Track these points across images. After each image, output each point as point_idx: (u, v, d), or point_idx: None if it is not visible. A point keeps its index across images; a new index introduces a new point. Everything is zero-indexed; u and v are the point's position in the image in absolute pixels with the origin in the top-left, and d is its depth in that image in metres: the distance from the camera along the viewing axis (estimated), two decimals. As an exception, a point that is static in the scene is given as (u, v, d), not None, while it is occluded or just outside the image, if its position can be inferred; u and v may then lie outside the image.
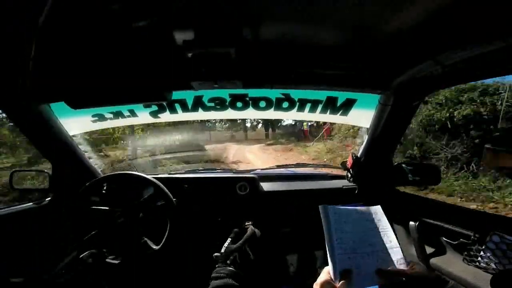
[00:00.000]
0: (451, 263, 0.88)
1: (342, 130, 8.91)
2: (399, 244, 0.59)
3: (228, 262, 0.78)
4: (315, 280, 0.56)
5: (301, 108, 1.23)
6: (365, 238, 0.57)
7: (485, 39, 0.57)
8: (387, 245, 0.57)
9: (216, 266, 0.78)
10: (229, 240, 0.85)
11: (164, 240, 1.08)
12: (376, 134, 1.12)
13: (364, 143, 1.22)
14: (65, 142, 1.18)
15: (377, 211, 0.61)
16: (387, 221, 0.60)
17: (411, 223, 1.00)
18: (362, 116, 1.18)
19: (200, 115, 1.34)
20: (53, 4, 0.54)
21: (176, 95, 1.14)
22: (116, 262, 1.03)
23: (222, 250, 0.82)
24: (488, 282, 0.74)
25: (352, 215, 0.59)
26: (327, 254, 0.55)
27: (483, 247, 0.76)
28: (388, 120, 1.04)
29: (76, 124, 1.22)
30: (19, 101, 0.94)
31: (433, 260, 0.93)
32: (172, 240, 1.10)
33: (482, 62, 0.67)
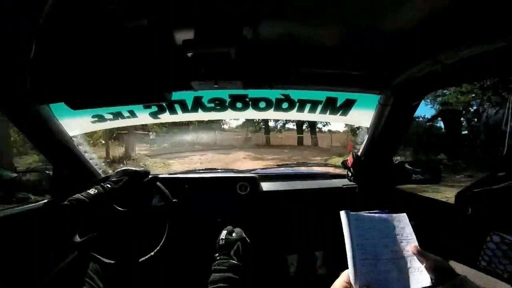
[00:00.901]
0: (451, 263, 0.88)
1: None
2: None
3: (231, 253, 0.77)
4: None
5: (300, 109, 1.23)
6: (387, 245, 0.57)
7: (485, 38, 0.57)
8: (408, 253, 0.57)
9: (217, 257, 0.77)
10: (225, 232, 0.84)
11: (163, 240, 1.08)
12: (376, 134, 1.12)
13: (365, 142, 1.22)
14: (65, 143, 1.18)
15: (401, 219, 0.61)
16: (411, 229, 0.60)
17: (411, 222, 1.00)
18: (362, 116, 1.18)
19: (200, 115, 1.34)
20: (53, 4, 0.54)
21: (176, 95, 1.14)
22: (112, 262, 1.03)
23: (222, 239, 0.80)
24: (488, 282, 0.74)
25: (374, 222, 0.59)
26: (346, 258, 0.55)
27: (484, 247, 0.76)
28: (388, 120, 1.04)
29: (76, 124, 1.22)
30: (19, 102, 0.94)
31: None
32: (171, 241, 1.10)
33: (482, 62, 0.67)
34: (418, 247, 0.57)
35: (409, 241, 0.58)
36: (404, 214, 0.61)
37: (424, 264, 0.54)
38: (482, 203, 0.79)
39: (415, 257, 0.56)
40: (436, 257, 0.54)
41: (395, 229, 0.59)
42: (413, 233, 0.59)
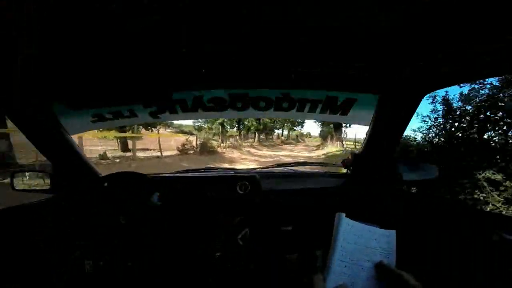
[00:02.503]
0: (450, 262, 0.88)
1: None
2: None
3: (239, 236, 0.77)
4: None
5: (301, 108, 1.24)
6: (366, 254, 0.60)
7: (484, 38, 0.57)
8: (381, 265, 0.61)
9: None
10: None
11: (162, 241, 1.09)
12: (375, 134, 1.13)
13: (364, 142, 1.22)
14: (65, 142, 1.18)
15: (390, 234, 0.64)
16: (394, 245, 0.63)
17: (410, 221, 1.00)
18: (362, 116, 1.18)
19: (200, 115, 1.34)
20: (53, 4, 0.54)
21: (176, 95, 1.14)
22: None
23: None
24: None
25: (363, 231, 0.62)
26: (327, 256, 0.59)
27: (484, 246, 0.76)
28: (387, 119, 1.04)
29: (76, 124, 1.22)
30: (19, 102, 0.94)
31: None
32: (170, 240, 1.10)
33: (481, 62, 0.67)
34: (383, 262, 0.59)
35: (388, 256, 0.61)
36: (394, 231, 0.64)
37: (387, 278, 0.58)
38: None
39: (384, 269, 0.60)
40: (397, 271, 0.57)
41: (379, 242, 0.62)
42: (394, 250, 0.62)
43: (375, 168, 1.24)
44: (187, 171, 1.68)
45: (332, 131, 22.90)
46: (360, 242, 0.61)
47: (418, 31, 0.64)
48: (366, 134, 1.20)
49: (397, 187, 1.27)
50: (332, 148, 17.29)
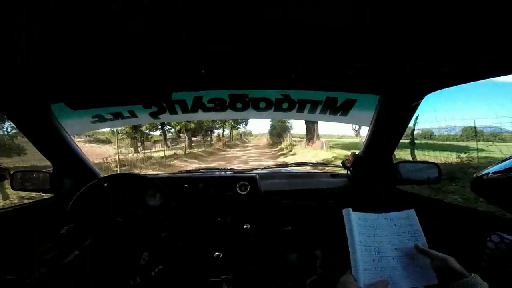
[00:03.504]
0: None
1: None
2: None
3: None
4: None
5: (300, 109, 1.24)
6: (392, 242, 0.57)
7: (484, 38, 0.57)
8: (414, 250, 0.57)
9: None
10: None
11: (163, 240, 1.09)
12: (376, 134, 1.13)
13: (364, 142, 1.22)
14: (66, 143, 1.18)
15: (409, 215, 0.60)
16: (419, 225, 0.59)
17: None
18: (362, 116, 1.18)
19: (200, 116, 1.34)
20: (53, 4, 0.54)
21: (176, 96, 1.14)
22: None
23: None
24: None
25: (378, 220, 0.59)
26: (347, 257, 0.56)
27: (484, 247, 0.76)
28: (388, 120, 1.04)
29: (76, 124, 1.22)
30: (19, 101, 0.95)
31: None
32: (170, 241, 1.10)
33: (481, 62, 0.67)
34: (421, 246, 0.56)
35: (416, 238, 0.58)
36: (412, 210, 0.60)
37: (430, 262, 0.54)
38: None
39: (421, 252, 0.56)
40: (444, 255, 0.53)
41: (401, 227, 0.59)
42: (420, 230, 0.58)
43: (375, 168, 1.24)
44: (187, 171, 1.68)
45: (288, 127, 17.75)
46: (380, 232, 0.57)
47: (418, 31, 0.64)
48: (366, 134, 1.20)
49: (397, 187, 1.27)
50: (320, 152, 10.19)
